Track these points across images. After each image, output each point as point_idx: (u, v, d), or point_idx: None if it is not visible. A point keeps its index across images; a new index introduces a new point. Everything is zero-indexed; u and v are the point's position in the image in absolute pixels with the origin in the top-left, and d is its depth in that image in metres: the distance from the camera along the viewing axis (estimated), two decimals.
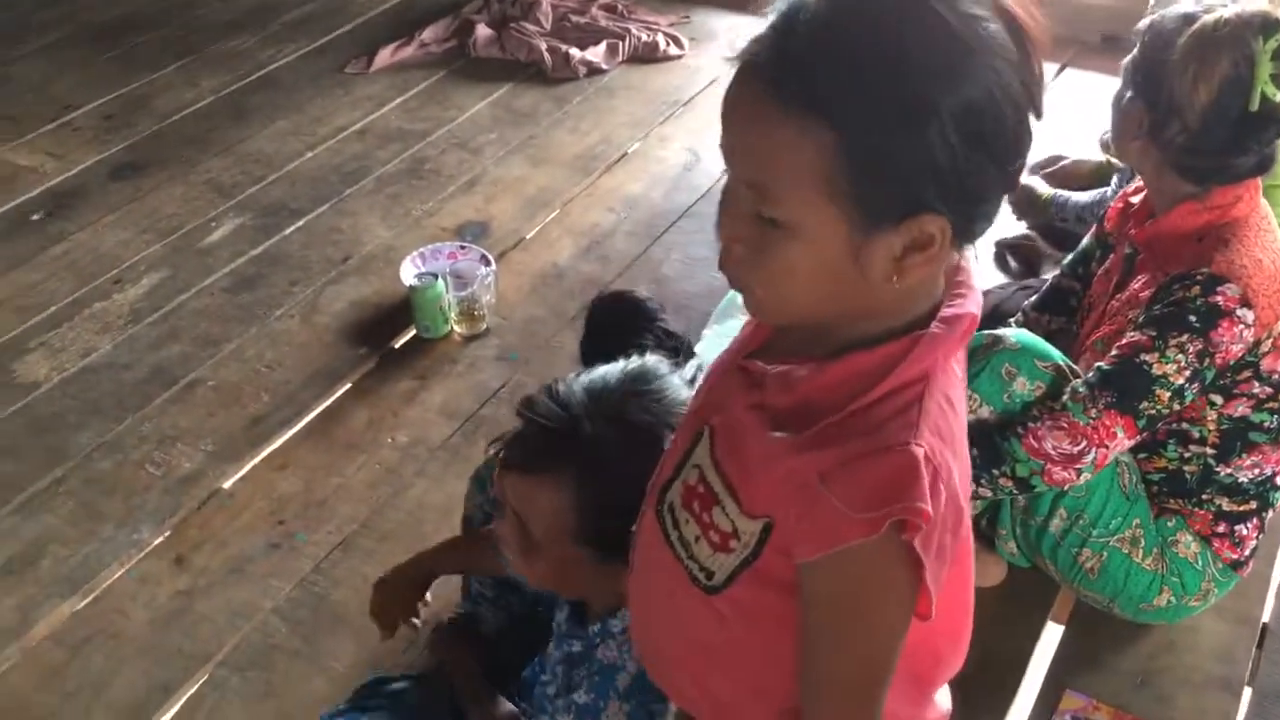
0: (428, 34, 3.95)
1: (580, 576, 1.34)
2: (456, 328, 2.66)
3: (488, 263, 2.77)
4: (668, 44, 3.88)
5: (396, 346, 2.66)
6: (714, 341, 2.37)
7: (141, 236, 3.04)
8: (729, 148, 0.88)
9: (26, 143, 3.43)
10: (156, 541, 2.18)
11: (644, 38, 3.88)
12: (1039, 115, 0.85)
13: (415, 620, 1.71)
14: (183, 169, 3.32)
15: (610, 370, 1.34)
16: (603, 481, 1.26)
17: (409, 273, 2.75)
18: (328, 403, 2.50)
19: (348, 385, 2.55)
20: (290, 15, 4.16)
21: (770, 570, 0.96)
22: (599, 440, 1.26)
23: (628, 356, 1.38)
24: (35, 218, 3.13)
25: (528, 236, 3.03)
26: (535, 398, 1.32)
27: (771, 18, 0.85)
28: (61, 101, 3.62)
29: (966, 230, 0.88)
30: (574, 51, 3.77)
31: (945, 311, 0.93)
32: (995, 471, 1.66)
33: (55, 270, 2.92)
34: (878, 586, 0.92)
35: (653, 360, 1.37)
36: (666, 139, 3.44)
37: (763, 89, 0.83)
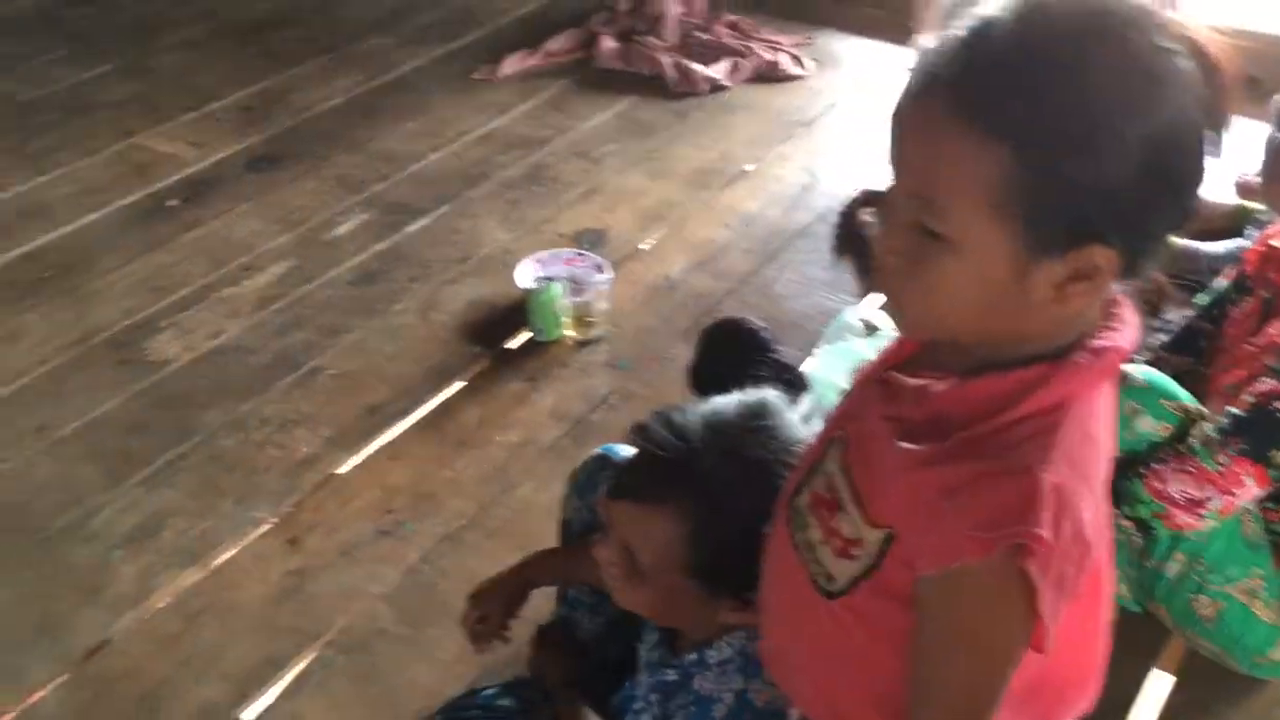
0: (554, 44, 4.02)
1: (682, 607, 1.34)
2: (569, 333, 2.70)
3: (603, 271, 2.81)
4: (791, 64, 3.89)
5: (510, 347, 2.70)
6: (824, 361, 2.37)
7: (272, 226, 3.15)
8: (899, 157, 0.88)
9: (168, 131, 3.57)
10: (272, 521, 2.25)
11: (767, 57, 3.90)
12: (1218, 156, 0.84)
13: (506, 634, 1.71)
14: (314, 163, 3.43)
15: (728, 403, 1.34)
16: (717, 515, 1.26)
17: (526, 276, 2.80)
18: (441, 398, 2.56)
19: (461, 383, 2.60)
20: (424, 20, 4.27)
21: (890, 581, 0.96)
22: (715, 474, 1.26)
23: (741, 387, 1.38)
24: (172, 203, 3.25)
25: (643, 247, 3.06)
26: (650, 426, 1.32)
27: (960, 33, 0.85)
28: (204, 93, 3.76)
29: (1133, 265, 0.87)
30: (697, 67, 3.80)
31: (1094, 342, 0.92)
32: (1115, 510, 1.63)
33: (189, 254, 3.04)
34: (988, 609, 0.92)
35: (770, 395, 1.36)
36: (785, 158, 3.44)
37: (944, 103, 0.83)
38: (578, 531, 1.72)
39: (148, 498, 2.30)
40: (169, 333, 2.75)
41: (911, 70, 0.87)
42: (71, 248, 3.04)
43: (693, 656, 1.34)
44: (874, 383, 1.02)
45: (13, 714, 1.90)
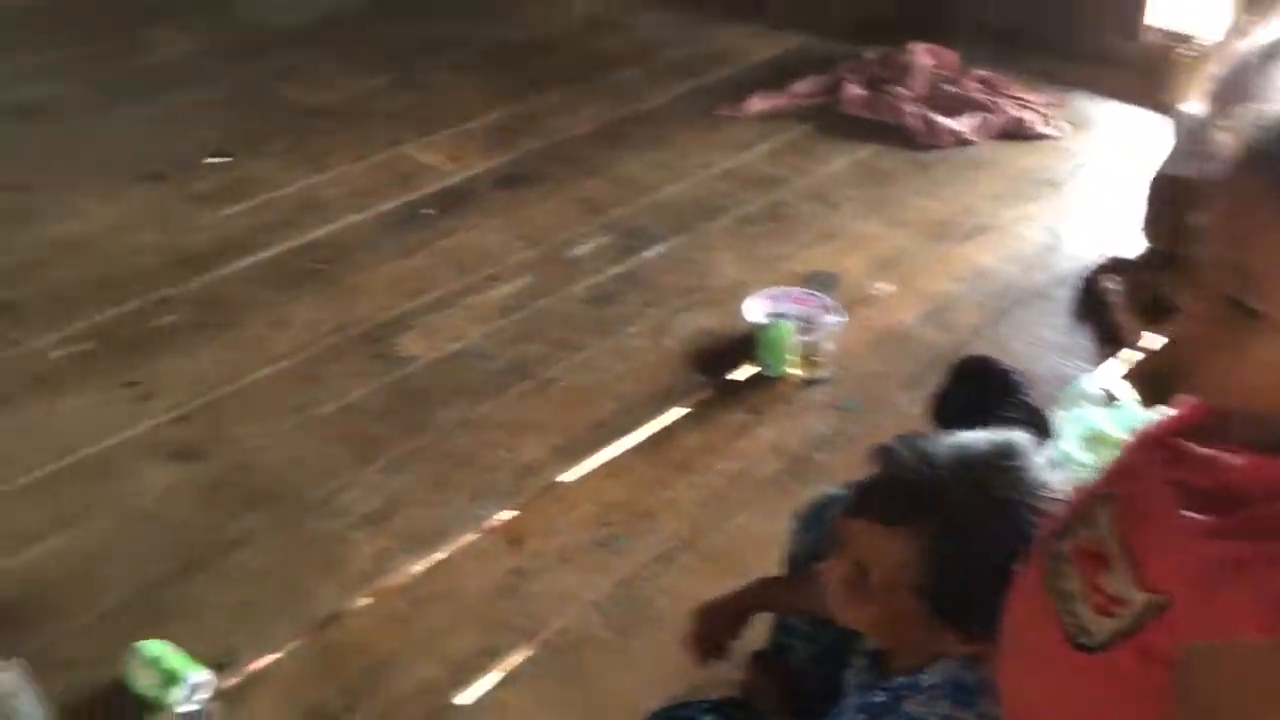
0: (800, 87, 4.07)
1: (904, 629, 1.35)
2: (795, 371, 2.73)
3: (833, 313, 2.83)
4: (1040, 123, 3.82)
5: (734, 379, 2.75)
6: (1060, 428, 2.32)
7: (516, 241, 3.30)
8: (1218, 228, 0.88)
9: (430, 144, 3.80)
10: (498, 520, 2.36)
11: (1016, 114, 3.84)
12: None
13: (726, 654, 1.75)
14: (560, 185, 3.58)
15: (977, 438, 1.34)
16: (957, 546, 1.27)
17: (756, 311, 2.85)
18: (664, 421, 2.62)
19: (685, 408, 2.66)
20: (674, 56, 4.40)
21: (1152, 645, 0.94)
22: (960, 505, 1.27)
23: (987, 425, 1.38)
24: (428, 212, 3.45)
25: (874, 293, 3.06)
26: (897, 449, 1.34)
27: None
28: (465, 111, 3.99)
29: None
30: (943, 120, 3.78)
31: None
32: None
33: (440, 261, 3.22)
34: (1265, 691, 0.89)
35: (1020, 436, 1.36)
36: (1029, 218, 3.38)
37: (1271, 180, 0.83)
38: (802, 563, 1.74)
39: (387, 483, 2.45)
40: (417, 331, 2.92)
41: (1236, 139, 0.87)
42: (338, 244, 3.27)
43: (904, 679, 1.35)
44: (1157, 446, 1.01)
45: (255, 668, 2.05)
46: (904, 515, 1.30)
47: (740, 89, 4.09)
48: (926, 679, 1.33)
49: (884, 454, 1.35)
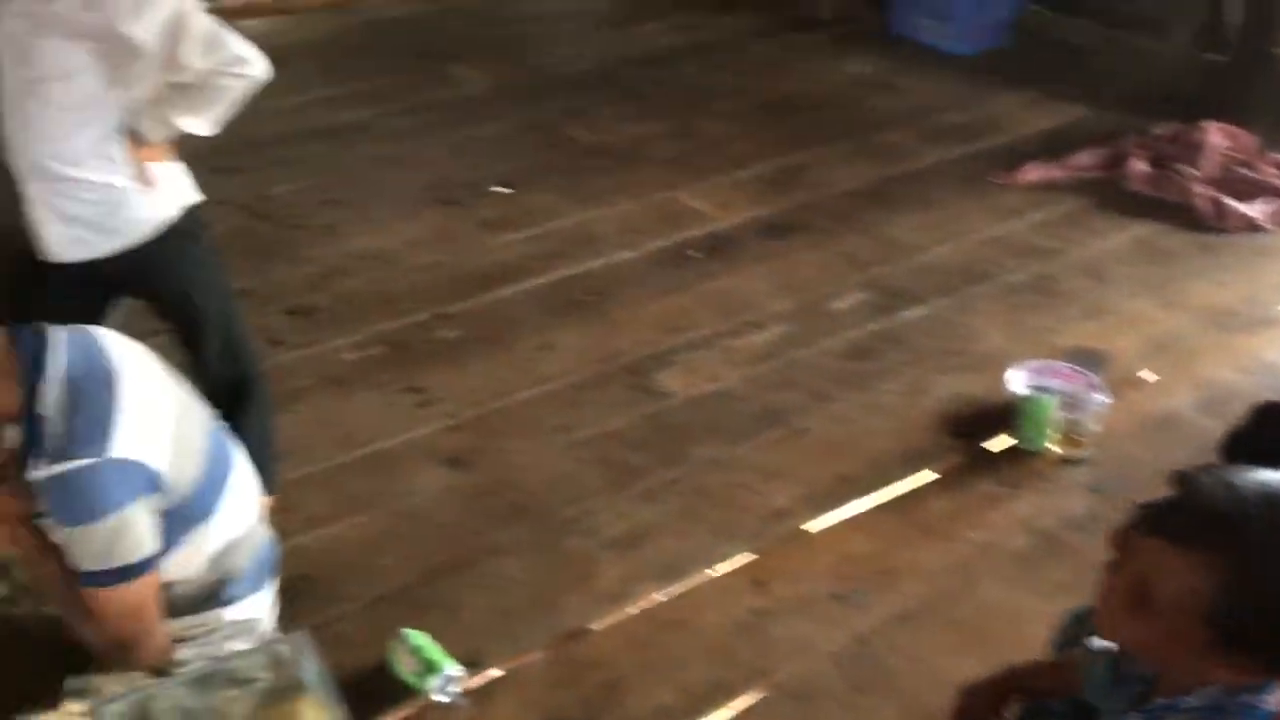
0: (1080, 159, 3.97)
1: (1180, 653, 1.31)
2: (1055, 447, 2.66)
3: (1099, 391, 2.75)
4: None
5: (989, 448, 2.71)
6: None
7: (778, 290, 3.36)
8: None
9: (701, 190, 3.92)
10: (740, 560, 2.41)
11: None
12: None
13: None
14: (823, 239, 3.63)
15: None
16: (1256, 583, 1.24)
17: (1018, 382, 2.80)
18: (913, 482, 2.62)
19: (935, 473, 2.64)
20: (948, 120, 4.38)
21: None
22: (1266, 543, 1.25)
23: None
24: (694, 254, 3.57)
25: (1144, 376, 2.95)
26: (1199, 474, 1.31)
27: None
28: (736, 160, 4.10)
29: None
30: (1234, 203, 3.61)
31: None
32: None
33: (702, 303, 3.32)
34: None
35: None
36: None
37: None
38: (1062, 647, 1.71)
39: (639, 510, 2.54)
40: (676, 368, 3.02)
41: None
42: (607, 277, 3.42)
43: (1163, 701, 1.32)
44: None
45: (501, 671, 2.17)
46: (1202, 540, 1.28)
47: (1014, 157, 4.04)
48: (1187, 702, 1.31)
49: (1185, 478, 1.32)
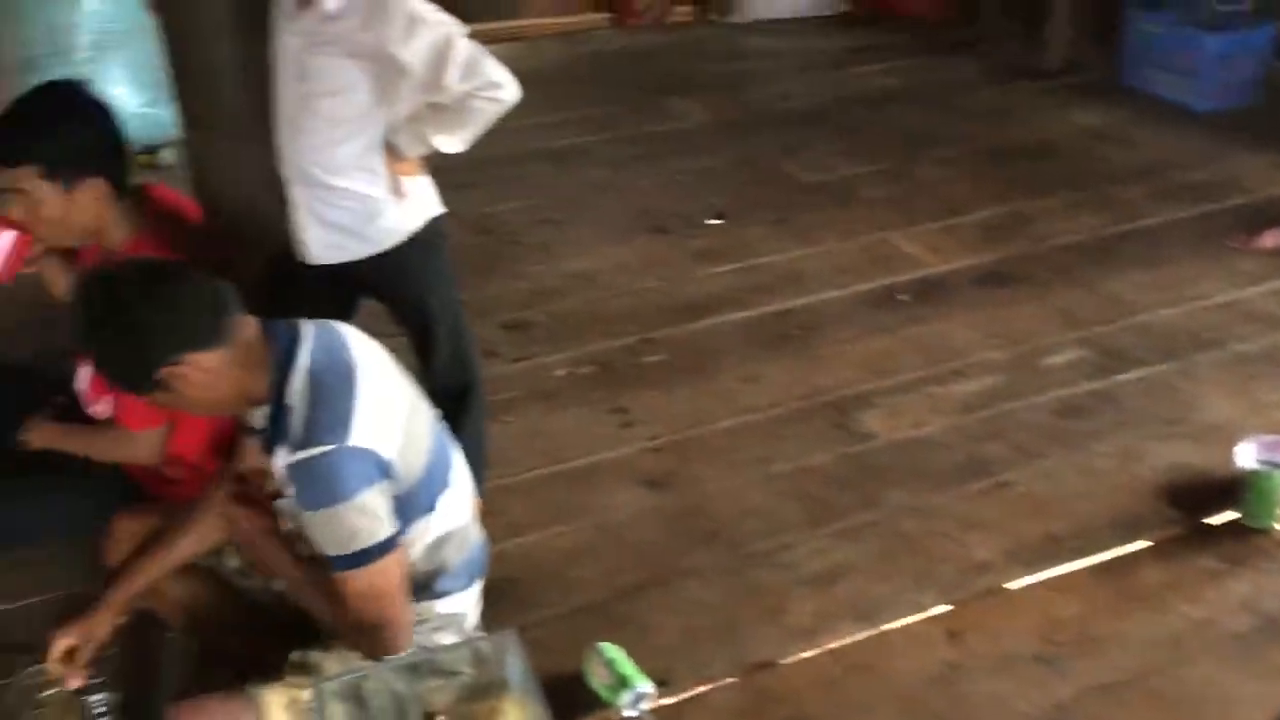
0: None
1: None
2: None
3: None
4: None
5: (1210, 523, 2.58)
6: None
7: (988, 340, 3.29)
8: None
9: (913, 234, 3.88)
10: (936, 610, 2.37)
11: None
12: None
13: None
14: (1040, 291, 3.53)
15: None
16: None
17: (1247, 456, 2.65)
18: (1126, 549, 2.51)
19: (1148, 541, 2.53)
20: (1184, 178, 4.19)
21: None
22: None
23: None
24: (903, 298, 3.53)
25: None
26: None
27: None
28: (952, 206, 4.04)
29: None
30: None
31: None
32: None
33: (908, 347, 3.28)
34: None
35: None
36: None
37: None
38: None
39: (835, 549, 2.53)
40: (879, 410, 3.00)
41: None
42: (814, 314, 3.43)
43: None
44: None
45: (686, 695, 2.19)
46: None
47: (1254, 220, 3.83)
48: None
49: None
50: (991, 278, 3.62)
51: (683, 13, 6.01)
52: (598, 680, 2.15)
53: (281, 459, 1.72)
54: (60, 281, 2.29)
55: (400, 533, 1.76)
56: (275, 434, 1.73)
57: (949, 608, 2.37)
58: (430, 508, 1.85)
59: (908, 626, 2.33)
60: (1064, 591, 2.41)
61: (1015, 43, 5.43)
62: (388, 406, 1.77)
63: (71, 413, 2.31)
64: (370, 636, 1.76)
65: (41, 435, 2.25)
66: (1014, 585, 2.43)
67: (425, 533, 1.87)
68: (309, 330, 1.78)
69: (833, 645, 2.29)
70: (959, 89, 5.11)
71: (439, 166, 2.35)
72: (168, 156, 4.09)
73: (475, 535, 2.02)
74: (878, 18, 5.93)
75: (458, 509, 1.94)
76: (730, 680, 2.22)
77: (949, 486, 2.72)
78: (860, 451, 2.85)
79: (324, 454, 1.68)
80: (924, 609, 2.37)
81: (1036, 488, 2.71)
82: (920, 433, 2.91)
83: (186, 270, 1.72)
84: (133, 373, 1.70)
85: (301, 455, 1.68)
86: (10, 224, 2.11)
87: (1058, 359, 3.20)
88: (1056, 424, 2.93)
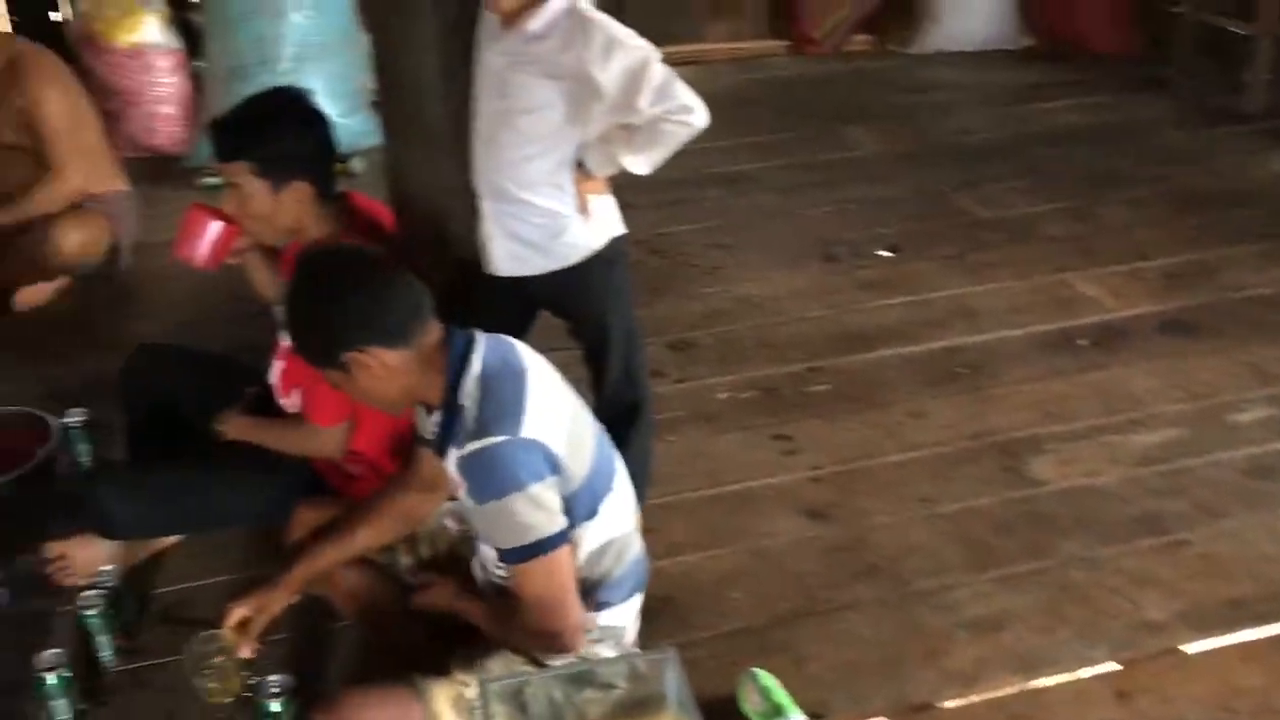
0: None
1: None
2: None
3: None
4: None
5: None
6: None
7: (1171, 391, 3.16)
8: None
9: (1095, 276, 3.75)
10: (1105, 668, 2.28)
11: None
12: None
13: None
14: (1228, 344, 3.37)
15: None
16: None
17: None
18: None
19: None
20: None
21: None
22: None
23: None
24: (1081, 342, 3.41)
25: None
26: None
27: None
28: (1137, 250, 3.90)
29: None
30: None
31: None
32: None
33: (1085, 393, 3.17)
34: None
35: None
36: None
37: None
38: None
39: (998, 595, 2.46)
40: (1051, 456, 2.90)
41: None
42: (986, 353, 3.35)
43: None
44: None
45: None
46: None
47: None
48: None
49: None
50: (1176, 326, 3.47)
51: (861, 42, 5.97)
52: (750, 706, 2.14)
53: (453, 457, 1.78)
54: (260, 276, 2.43)
55: (571, 527, 1.79)
56: (448, 435, 1.79)
57: (1118, 666, 2.28)
58: (593, 513, 1.88)
59: (1074, 682, 2.25)
60: (1246, 660, 2.29)
61: (1209, 83, 5.21)
62: (555, 409, 1.82)
63: (264, 404, 2.43)
64: (543, 635, 1.80)
65: (235, 427, 2.38)
66: (1190, 649, 2.32)
67: (588, 538, 1.89)
68: (483, 338, 1.84)
69: (992, 694, 2.23)
70: (1148, 129, 4.94)
71: (617, 187, 2.39)
72: (357, 165, 4.28)
73: (636, 547, 2.04)
74: (1063, 54, 5.76)
75: (620, 517, 1.96)
76: (887, 719, 2.19)
77: (1122, 540, 2.61)
78: (1029, 496, 2.76)
79: (496, 444, 1.72)
80: (1091, 665, 2.28)
81: (1218, 548, 2.59)
82: (1094, 482, 2.81)
83: (401, 269, 1.80)
84: (319, 347, 1.80)
85: (474, 446, 1.73)
86: (221, 215, 2.28)
87: (1245, 416, 3.05)
88: (1243, 483, 2.79)
